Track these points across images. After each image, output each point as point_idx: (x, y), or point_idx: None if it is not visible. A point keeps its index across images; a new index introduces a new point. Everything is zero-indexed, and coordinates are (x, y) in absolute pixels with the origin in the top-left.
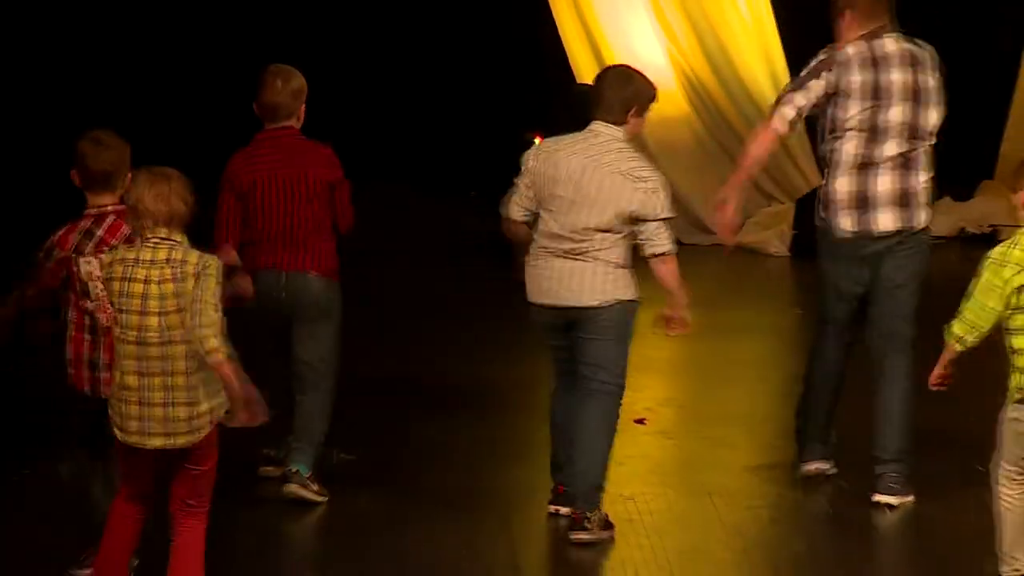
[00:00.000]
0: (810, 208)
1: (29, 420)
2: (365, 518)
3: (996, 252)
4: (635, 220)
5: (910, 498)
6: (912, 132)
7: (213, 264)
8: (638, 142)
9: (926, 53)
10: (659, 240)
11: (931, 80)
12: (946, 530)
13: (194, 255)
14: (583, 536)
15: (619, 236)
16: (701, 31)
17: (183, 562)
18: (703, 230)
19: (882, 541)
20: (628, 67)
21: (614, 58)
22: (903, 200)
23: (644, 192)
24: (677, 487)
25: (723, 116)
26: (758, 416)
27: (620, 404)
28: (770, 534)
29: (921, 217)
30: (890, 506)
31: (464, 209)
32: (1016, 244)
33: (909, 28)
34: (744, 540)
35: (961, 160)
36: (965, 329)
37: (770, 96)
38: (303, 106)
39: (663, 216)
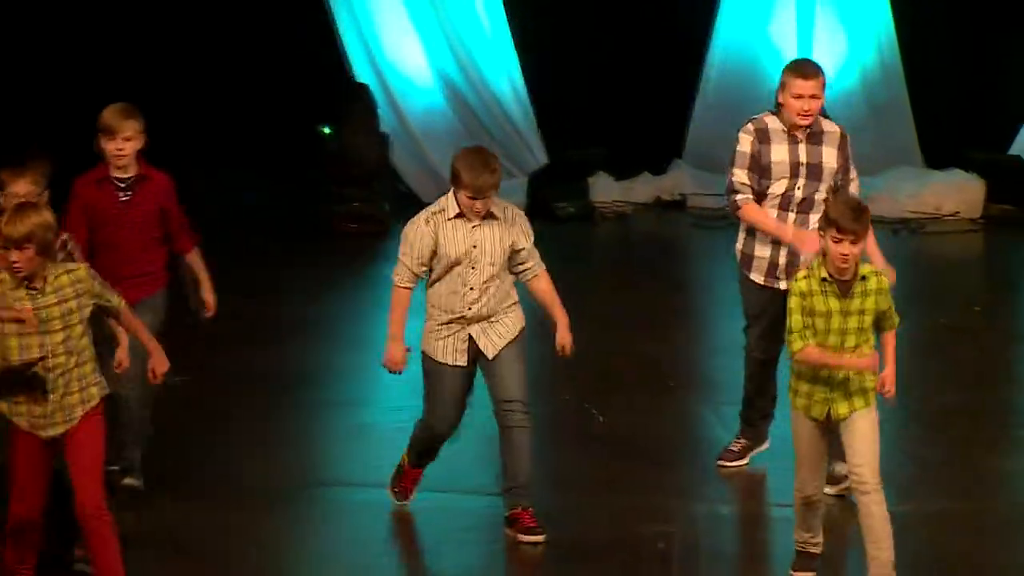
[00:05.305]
0: (538, 180)
1: None
2: None
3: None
4: None
5: None
6: None
7: None
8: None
9: None
10: None
11: None
12: None
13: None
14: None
15: None
16: (452, 40)
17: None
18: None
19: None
20: (473, 151)
21: (384, 61)
22: None
23: None
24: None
25: (469, 107)
26: None
27: None
28: (589, 421)
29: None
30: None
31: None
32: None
33: None
34: (573, 429)
35: (657, 141)
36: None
37: (505, 90)
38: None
39: None
